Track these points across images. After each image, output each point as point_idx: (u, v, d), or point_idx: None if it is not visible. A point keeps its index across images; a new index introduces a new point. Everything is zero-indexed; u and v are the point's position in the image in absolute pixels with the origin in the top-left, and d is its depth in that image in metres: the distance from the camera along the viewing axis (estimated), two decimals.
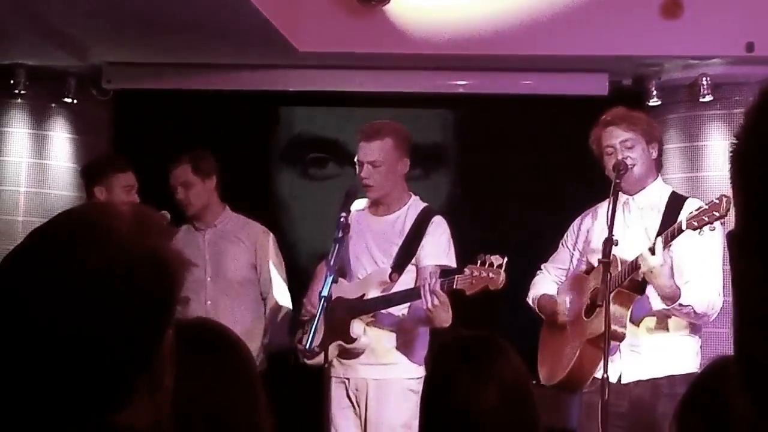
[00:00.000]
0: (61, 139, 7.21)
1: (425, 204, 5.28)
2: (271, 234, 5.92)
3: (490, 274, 4.63)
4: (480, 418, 2.38)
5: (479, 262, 4.70)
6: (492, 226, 7.02)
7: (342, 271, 5.24)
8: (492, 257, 4.67)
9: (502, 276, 4.63)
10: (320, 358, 4.93)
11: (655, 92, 6.81)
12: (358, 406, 5.10)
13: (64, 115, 7.22)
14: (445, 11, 6.37)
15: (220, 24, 5.78)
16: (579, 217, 5.11)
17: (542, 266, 5.20)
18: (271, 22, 5.70)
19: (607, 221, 4.50)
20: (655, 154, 4.84)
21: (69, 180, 7.15)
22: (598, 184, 4.92)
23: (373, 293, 5.06)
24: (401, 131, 5.24)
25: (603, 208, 4.75)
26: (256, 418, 2.06)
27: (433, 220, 5.17)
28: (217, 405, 2.02)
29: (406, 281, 5.06)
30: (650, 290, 4.61)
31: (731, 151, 0.96)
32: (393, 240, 5.16)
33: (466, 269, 4.74)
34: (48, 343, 1.36)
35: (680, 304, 4.49)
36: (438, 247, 5.10)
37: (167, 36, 6.14)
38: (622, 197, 4.77)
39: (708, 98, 6.59)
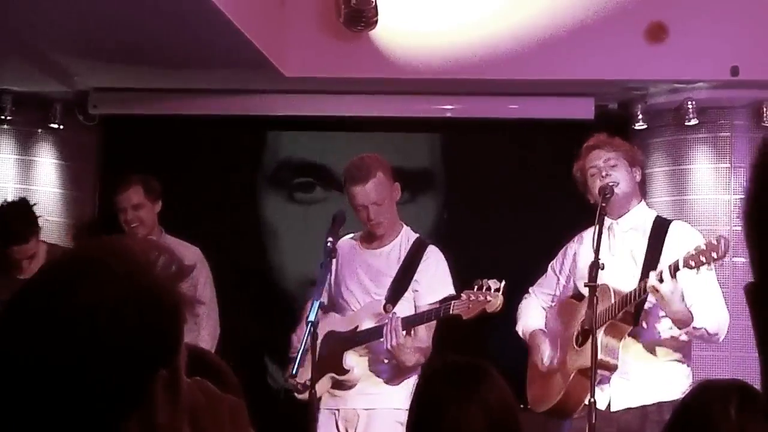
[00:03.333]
0: (47, 164, 7.20)
1: (416, 234, 5.29)
2: (205, 260, 5.94)
3: (488, 297, 4.63)
4: None
5: (476, 287, 4.70)
6: (479, 250, 7.02)
7: (333, 304, 5.24)
8: (489, 281, 4.68)
9: (500, 299, 4.64)
10: (310, 392, 4.87)
11: (640, 116, 6.83)
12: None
13: (51, 140, 7.21)
14: (432, 36, 6.39)
15: (207, 49, 5.78)
16: (568, 242, 5.13)
17: (530, 290, 5.20)
18: (257, 47, 5.71)
19: (593, 245, 4.51)
20: (638, 177, 4.87)
21: (55, 206, 7.14)
22: (585, 208, 4.94)
23: (367, 324, 5.04)
24: (383, 161, 5.23)
25: (589, 233, 4.78)
26: None
27: (426, 251, 5.17)
28: None
29: (402, 312, 5.01)
30: (654, 318, 4.63)
31: (743, 210, 0.97)
32: (387, 272, 5.14)
33: (462, 294, 4.74)
34: (37, 377, 1.36)
35: (694, 327, 4.51)
36: (435, 280, 5.10)
37: (154, 61, 6.14)
38: (607, 221, 4.78)
39: (693, 122, 6.61)
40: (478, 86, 6.67)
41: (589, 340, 4.53)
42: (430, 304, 5.03)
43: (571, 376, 4.67)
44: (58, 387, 1.37)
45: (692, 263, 4.27)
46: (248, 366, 6.05)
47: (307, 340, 4.64)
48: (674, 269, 4.33)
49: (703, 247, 4.25)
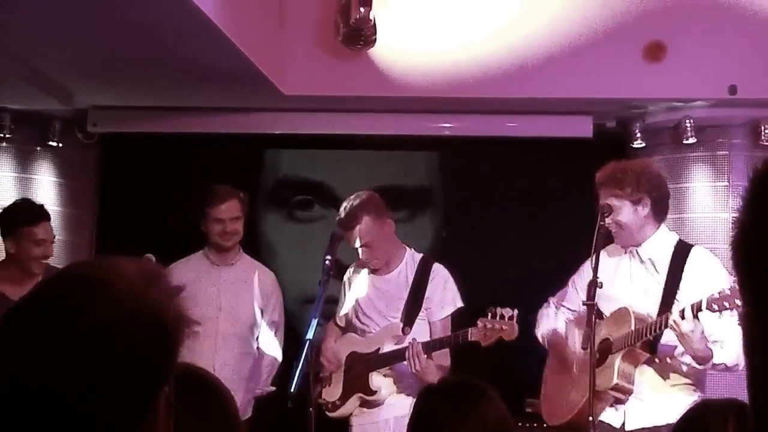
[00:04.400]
0: (46, 182, 7.21)
1: (421, 254, 5.52)
2: (278, 284, 6.02)
3: (503, 326, 4.87)
4: None
5: (490, 314, 4.92)
6: (478, 268, 7.02)
7: (352, 327, 5.49)
8: (503, 309, 4.92)
9: (516, 327, 4.88)
10: (343, 410, 5.33)
11: (639, 134, 6.84)
12: None
13: (50, 158, 7.22)
14: (431, 55, 6.40)
15: (207, 68, 5.79)
16: (588, 259, 5.12)
17: (549, 300, 5.20)
18: (256, 65, 5.72)
19: (592, 263, 4.51)
20: (646, 211, 4.79)
21: (54, 223, 7.12)
22: (583, 225, 4.94)
23: (388, 346, 5.28)
24: (371, 200, 5.41)
25: (607, 251, 4.80)
26: None
27: (432, 270, 5.39)
28: None
29: (419, 331, 5.28)
30: (671, 350, 4.65)
31: (735, 240, 0.98)
32: (398, 295, 5.38)
33: (479, 322, 4.94)
34: (35, 399, 1.37)
35: (713, 364, 4.51)
36: (445, 296, 5.35)
37: (153, 80, 6.15)
38: (619, 252, 4.82)
39: (691, 140, 6.62)
40: (477, 105, 6.68)
41: (605, 363, 4.57)
42: (442, 319, 5.31)
43: (586, 396, 4.67)
44: (67, 405, 1.37)
45: (715, 307, 4.23)
46: None
47: (305, 358, 4.66)
48: (696, 309, 4.31)
49: (728, 291, 4.18)
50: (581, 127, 6.81)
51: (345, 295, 5.57)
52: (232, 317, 5.71)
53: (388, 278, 5.42)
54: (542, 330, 5.12)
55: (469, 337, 4.94)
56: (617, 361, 4.57)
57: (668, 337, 4.60)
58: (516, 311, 4.90)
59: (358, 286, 5.48)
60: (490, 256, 7.15)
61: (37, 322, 1.40)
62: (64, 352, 1.37)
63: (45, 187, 7.19)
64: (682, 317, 4.33)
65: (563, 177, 6.96)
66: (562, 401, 4.89)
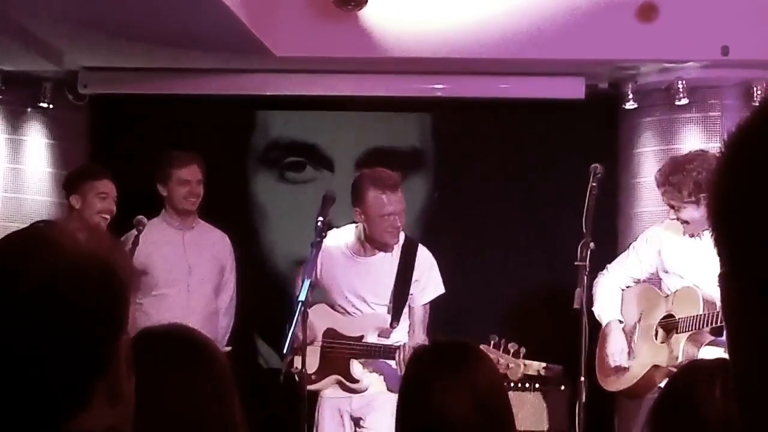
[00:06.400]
0: (37, 144, 7.18)
1: (403, 235, 5.34)
2: (231, 247, 6.06)
3: (510, 364, 4.73)
4: (454, 422, 2.39)
5: (492, 342, 4.79)
6: (470, 229, 7.03)
7: (327, 299, 5.36)
8: (509, 344, 4.78)
9: (522, 367, 4.75)
10: (318, 386, 5.20)
11: (631, 96, 6.83)
12: (351, 417, 5.24)
13: (40, 120, 7.19)
14: (422, 15, 6.37)
15: (197, 29, 5.76)
16: (652, 227, 5.09)
17: (607, 267, 5.16)
18: (248, 26, 5.69)
19: (583, 224, 4.51)
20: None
21: (45, 185, 7.12)
22: (574, 187, 4.94)
23: (372, 337, 5.19)
24: None
25: (675, 223, 4.79)
26: (230, 423, 2.06)
27: (418, 254, 5.27)
28: (191, 411, 2.02)
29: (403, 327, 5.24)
30: None
31: (714, 199, 0.99)
32: (383, 281, 5.24)
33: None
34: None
35: None
36: (429, 281, 5.25)
37: (144, 41, 6.12)
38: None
39: (684, 101, 6.61)
40: (469, 66, 6.65)
41: (668, 340, 4.59)
42: (424, 305, 5.22)
43: (646, 370, 4.70)
44: (24, 365, 1.37)
45: None
46: (239, 346, 6.07)
47: (298, 319, 4.67)
48: None
49: None
50: (573, 89, 6.79)
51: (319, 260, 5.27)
52: (200, 277, 5.83)
53: (372, 261, 5.28)
54: (598, 309, 5.04)
55: None
56: (683, 342, 4.62)
57: None
58: (523, 349, 4.76)
59: (338, 266, 5.29)
60: (480, 217, 7.15)
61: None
62: (11, 307, 1.36)
63: (36, 149, 7.17)
64: None
65: (555, 138, 6.96)
66: (621, 369, 4.89)
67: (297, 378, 5.12)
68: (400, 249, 5.25)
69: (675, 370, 4.56)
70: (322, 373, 5.23)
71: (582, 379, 4.36)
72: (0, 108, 7.08)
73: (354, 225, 5.36)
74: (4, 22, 5.79)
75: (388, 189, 5.14)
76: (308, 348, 5.06)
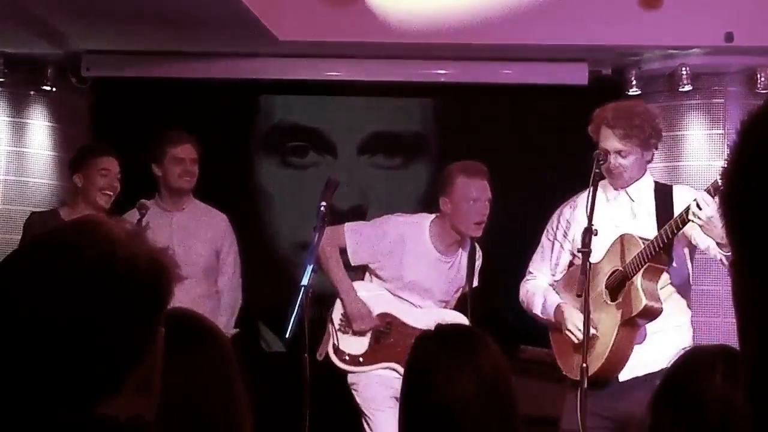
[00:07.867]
0: (40, 126, 7.18)
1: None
2: (231, 228, 5.92)
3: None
4: (458, 407, 2.39)
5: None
6: None
7: (390, 284, 5.35)
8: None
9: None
10: (363, 368, 5.21)
11: (634, 82, 6.82)
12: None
13: (43, 102, 7.19)
14: (426, 0, 6.37)
15: (201, 12, 5.76)
16: (558, 209, 5.01)
17: (530, 269, 5.03)
18: (251, 10, 5.69)
19: (587, 211, 4.47)
20: (649, 157, 4.73)
21: (48, 168, 7.13)
22: (578, 172, 4.92)
23: None
24: None
25: (582, 198, 4.68)
26: (233, 407, 2.07)
27: (477, 254, 5.41)
28: (195, 395, 2.02)
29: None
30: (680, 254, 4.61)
31: (724, 190, 0.99)
32: (457, 282, 5.38)
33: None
34: (44, 333, 1.41)
35: None
36: (473, 276, 5.38)
37: (147, 24, 6.11)
38: (610, 192, 4.74)
39: (687, 88, 6.61)
40: (472, 51, 6.65)
41: (622, 292, 4.49)
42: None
43: (616, 331, 4.55)
44: (70, 343, 1.41)
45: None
46: (241, 329, 6.07)
47: (300, 304, 4.66)
48: (714, 190, 4.18)
49: None
50: (576, 75, 6.79)
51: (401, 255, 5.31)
52: (183, 261, 5.70)
53: (450, 262, 5.35)
54: (538, 307, 4.90)
55: None
56: (638, 281, 4.43)
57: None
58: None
59: (419, 256, 5.29)
60: None
61: (41, 260, 1.45)
62: (68, 280, 1.42)
63: (38, 132, 7.17)
64: (699, 207, 4.21)
65: (558, 124, 6.95)
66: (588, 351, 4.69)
67: (338, 357, 5.21)
68: (467, 250, 5.35)
69: (643, 320, 4.48)
70: (371, 358, 5.23)
71: (584, 365, 4.33)
72: (3, 91, 7.09)
73: (427, 218, 5.39)
74: (7, 5, 5.78)
75: (476, 176, 5.20)
76: (355, 333, 5.21)
